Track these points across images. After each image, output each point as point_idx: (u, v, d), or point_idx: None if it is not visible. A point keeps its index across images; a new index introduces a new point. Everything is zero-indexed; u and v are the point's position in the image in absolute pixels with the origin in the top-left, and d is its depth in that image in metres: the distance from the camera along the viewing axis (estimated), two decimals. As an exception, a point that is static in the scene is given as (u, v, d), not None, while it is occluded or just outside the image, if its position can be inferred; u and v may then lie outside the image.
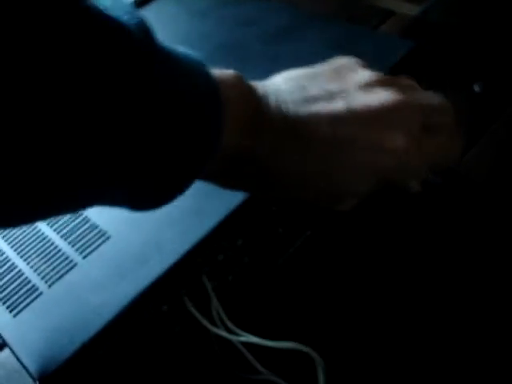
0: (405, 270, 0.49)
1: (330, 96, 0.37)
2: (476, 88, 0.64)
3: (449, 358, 0.44)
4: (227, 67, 0.54)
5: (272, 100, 0.37)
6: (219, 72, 0.35)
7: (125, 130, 0.28)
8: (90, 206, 0.32)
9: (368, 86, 0.38)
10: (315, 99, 0.37)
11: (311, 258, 0.51)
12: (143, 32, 0.29)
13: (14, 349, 0.39)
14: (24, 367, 0.39)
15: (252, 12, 0.60)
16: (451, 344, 0.44)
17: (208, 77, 0.33)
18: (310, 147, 0.36)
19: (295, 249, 0.51)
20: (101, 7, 0.28)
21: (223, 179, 0.38)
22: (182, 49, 0.33)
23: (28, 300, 0.41)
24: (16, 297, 0.42)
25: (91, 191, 0.30)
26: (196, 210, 0.43)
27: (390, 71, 0.50)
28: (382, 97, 0.37)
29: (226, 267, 0.45)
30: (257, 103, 0.36)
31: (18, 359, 0.39)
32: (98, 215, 0.45)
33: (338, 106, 0.37)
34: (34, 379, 0.38)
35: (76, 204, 0.31)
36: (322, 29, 0.55)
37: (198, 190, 0.40)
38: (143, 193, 0.32)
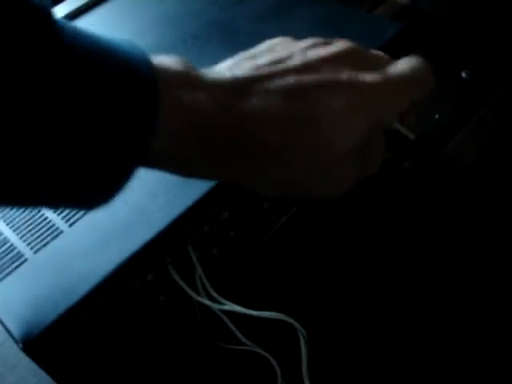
0: (387, 246, 0.50)
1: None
2: (464, 75, 0.65)
3: (420, 330, 0.44)
4: (217, 44, 0.55)
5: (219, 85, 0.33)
6: (163, 63, 0.31)
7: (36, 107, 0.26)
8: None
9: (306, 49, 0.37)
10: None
11: (297, 234, 0.51)
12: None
13: (-1, 314, 0.39)
14: (8, 331, 0.39)
15: (243, -9, 0.60)
16: (423, 316, 0.45)
17: (146, 68, 0.30)
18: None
19: (281, 224, 0.51)
20: None
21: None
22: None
23: (13, 266, 0.41)
24: (2, 262, 0.42)
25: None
26: (182, 181, 0.44)
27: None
28: (322, 51, 0.36)
29: (211, 239, 0.45)
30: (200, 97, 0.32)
31: (2, 324, 0.39)
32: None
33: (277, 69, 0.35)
34: (17, 343, 0.38)
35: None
36: (312, 9, 0.56)
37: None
38: (84, 190, 0.30)
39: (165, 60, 0.32)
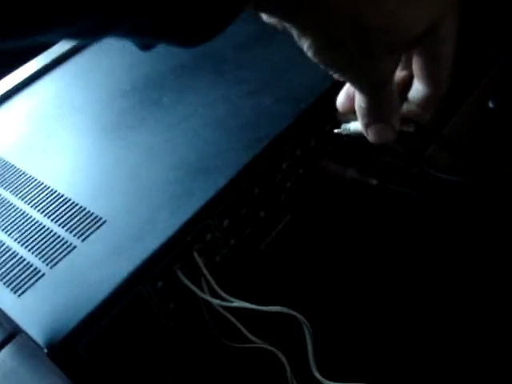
0: (382, 246, 0.53)
1: None
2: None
3: (423, 329, 0.47)
4: (205, 72, 0.59)
5: None
6: None
7: None
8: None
9: None
10: None
11: (294, 238, 0.54)
12: None
13: (21, 324, 0.42)
14: (32, 341, 0.41)
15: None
16: (426, 316, 0.48)
17: None
18: None
19: (278, 232, 0.54)
20: None
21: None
22: None
23: (32, 281, 0.44)
24: (20, 279, 0.44)
25: None
26: (183, 193, 0.47)
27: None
28: None
29: (214, 247, 0.49)
30: None
31: (26, 334, 0.42)
32: (94, 204, 0.49)
33: None
34: (42, 349, 0.40)
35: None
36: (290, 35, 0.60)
37: (185, 175, 0.45)
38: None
39: None
